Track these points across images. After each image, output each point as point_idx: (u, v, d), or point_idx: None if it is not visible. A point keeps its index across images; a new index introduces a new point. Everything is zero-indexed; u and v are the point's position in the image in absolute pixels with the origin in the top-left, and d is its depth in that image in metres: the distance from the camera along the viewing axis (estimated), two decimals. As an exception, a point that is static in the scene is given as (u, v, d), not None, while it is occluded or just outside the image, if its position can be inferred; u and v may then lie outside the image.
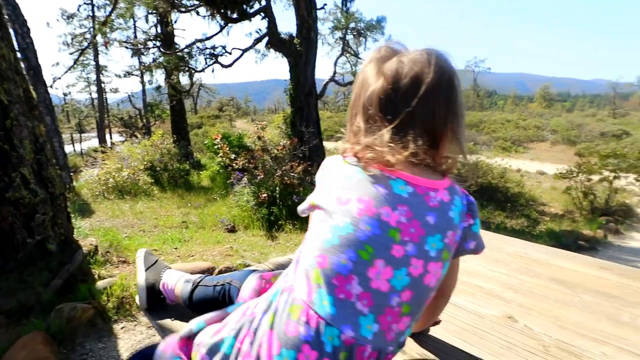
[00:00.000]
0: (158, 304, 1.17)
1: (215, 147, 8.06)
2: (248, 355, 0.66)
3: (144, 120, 27.89)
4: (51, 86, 15.91)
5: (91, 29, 18.37)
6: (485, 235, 1.75)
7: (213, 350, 0.70)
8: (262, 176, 5.98)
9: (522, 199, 9.92)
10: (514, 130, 24.30)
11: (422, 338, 0.99)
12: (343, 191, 0.68)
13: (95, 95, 32.84)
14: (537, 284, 1.28)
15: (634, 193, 10.51)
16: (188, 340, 0.76)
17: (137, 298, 1.19)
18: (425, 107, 0.66)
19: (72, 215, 6.84)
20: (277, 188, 5.85)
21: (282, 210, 5.78)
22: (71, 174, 12.23)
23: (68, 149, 34.67)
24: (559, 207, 9.94)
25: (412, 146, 0.65)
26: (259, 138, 6.19)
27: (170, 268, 1.23)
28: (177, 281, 1.13)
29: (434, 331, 1.02)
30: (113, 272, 4.37)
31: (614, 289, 1.23)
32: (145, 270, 1.22)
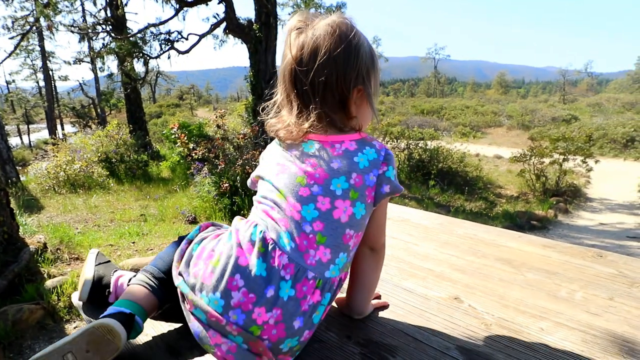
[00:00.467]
0: (99, 300, 1.07)
1: (173, 136, 7.79)
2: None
3: (98, 110, 26.56)
4: (-12, 74, 14.72)
5: (34, 12, 17.10)
6: (437, 219, 1.78)
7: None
8: (223, 166, 5.84)
9: (481, 182, 10.29)
10: (472, 116, 25.09)
11: (368, 322, 0.99)
12: (270, 162, 0.89)
13: (42, 83, 30.80)
14: (483, 264, 1.31)
15: (581, 174, 11.16)
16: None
17: (74, 295, 1.11)
18: (325, 76, 0.80)
19: (17, 212, 6.45)
20: (239, 177, 5.74)
21: (245, 200, 5.68)
22: (18, 167, 11.49)
23: (15, 141, 32.53)
24: (514, 189, 10.40)
25: (312, 117, 0.82)
26: (219, 127, 6.02)
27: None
28: (131, 277, 1.05)
29: (381, 315, 1.02)
30: (64, 269, 4.15)
31: (555, 267, 1.28)
32: (96, 265, 1.13)
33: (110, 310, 0.85)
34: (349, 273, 0.94)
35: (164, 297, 0.91)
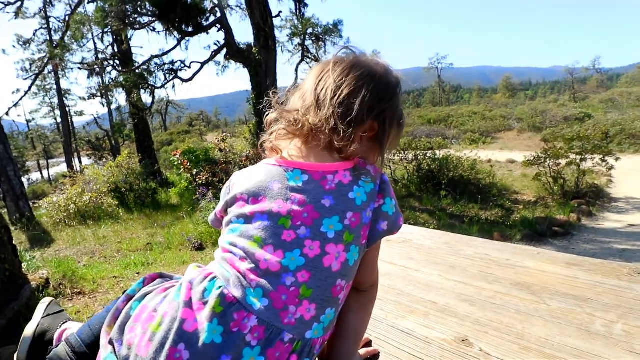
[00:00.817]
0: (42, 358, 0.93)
1: (176, 163, 7.74)
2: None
3: (112, 142, 27.11)
4: (7, 113, 15.16)
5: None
6: (442, 237, 1.57)
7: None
8: (226, 190, 5.71)
9: (495, 189, 9.97)
10: (481, 122, 24.76)
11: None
12: (244, 192, 0.73)
13: (60, 119, 31.72)
14: (496, 292, 1.10)
15: (602, 173, 10.73)
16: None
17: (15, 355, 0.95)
18: (354, 89, 0.72)
19: (26, 247, 6.42)
20: (243, 201, 5.60)
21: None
22: (34, 202, 11.62)
23: (35, 175, 33.35)
24: (531, 194, 10.03)
25: (322, 117, 0.71)
26: (221, 150, 5.93)
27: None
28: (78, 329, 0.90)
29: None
30: (66, 305, 4.02)
31: (584, 290, 1.07)
32: (42, 317, 0.98)
33: None
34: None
35: None
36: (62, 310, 1.05)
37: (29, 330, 0.94)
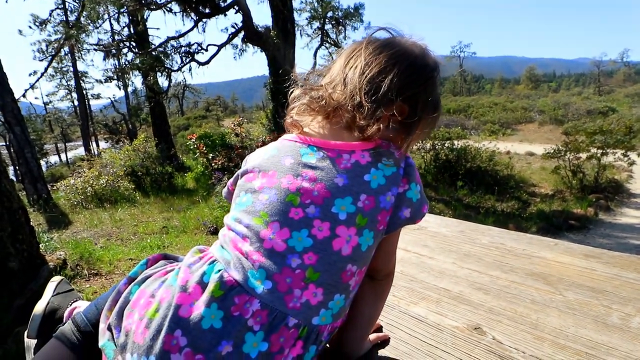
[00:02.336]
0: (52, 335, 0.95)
1: (192, 147, 7.80)
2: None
3: (129, 125, 27.45)
4: (24, 95, 15.43)
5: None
6: (459, 226, 1.56)
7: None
8: (241, 174, 5.75)
9: (512, 181, 9.82)
10: (501, 113, 24.28)
11: (365, 365, 0.80)
12: (255, 166, 0.70)
13: (77, 102, 32.17)
14: (511, 282, 1.09)
15: (622, 169, 10.45)
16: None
17: (26, 334, 0.97)
18: (385, 66, 0.68)
19: (44, 229, 6.59)
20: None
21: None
22: (52, 185, 11.90)
23: (54, 158, 34.02)
24: (549, 187, 9.85)
25: (346, 93, 0.68)
26: (236, 135, 5.95)
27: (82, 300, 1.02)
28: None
29: (381, 353, 0.82)
30: (82, 286, 4.14)
31: (602, 283, 1.05)
32: (53, 295, 1.00)
33: None
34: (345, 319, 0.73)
35: (90, 357, 0.74)
36: (72, 289, 1.07)
37: (39, 307, 0.95)
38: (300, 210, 0.63)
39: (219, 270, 0.62)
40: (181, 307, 0.60)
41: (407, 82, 0.68)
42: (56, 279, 1.05)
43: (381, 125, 0.66)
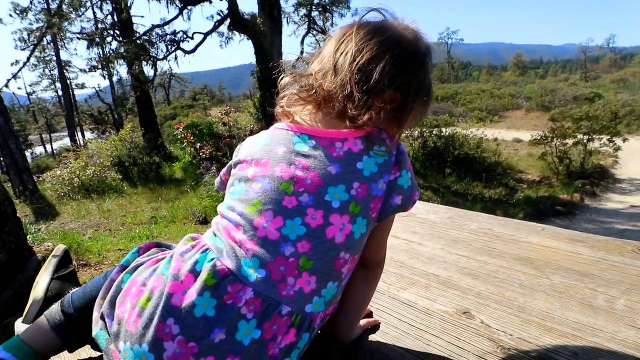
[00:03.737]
0: None
1: (180, 137, 7.71)
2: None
3: (115, 115, 26.98)
4: (6, 85, 15.02)
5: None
6: (447, 212, 1.57)
7: None
8: (230, 164, 5.71)
9: (500, 168, 9.93)
10: (489, 100, 24.42)
11: (353, 349, 0.80)
12: (248, 155, 0.70)
13: (61, 92, 31.44)
14: (499, 266, 1.10)
15: (608, 154, 10.63)
16: None
17: (18, 322, 0.95)
18: (370, 58, 0.66)
19: (31, 220, 6.48)
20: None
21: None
22: (37, 176, 11.68)
23: (39, 149, 33.37)
24: (536, 173, 9.99)
25: (337, 83, 0.66)
26: (224, 124, 5.89)
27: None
28: None
29: (371, 338, 0.83)
30: (71, 277, 4.11)
31: (587, 266, 1.06)
32: (52, 278, 0.95)
33: None
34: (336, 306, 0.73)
35: (71, 341, 0.74)
36: (72, 271, 1.02)
37: (39, 292, 0.92)
38: (293, 198, 0.63)
39: (212, 259, 0.62)
40: (173, 295, 0.60)
41: (399, 70, 0.67)
42: (59, 250, 1.00)
43: (373, 114, 0.65)
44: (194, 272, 0.61)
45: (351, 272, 0.70)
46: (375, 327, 0.87)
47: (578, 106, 16.50)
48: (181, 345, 0.57)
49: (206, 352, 0.57)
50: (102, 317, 0.67)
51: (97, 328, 0.67)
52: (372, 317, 0.90)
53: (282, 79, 0.74)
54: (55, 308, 0.77)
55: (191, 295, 0.59)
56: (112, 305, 0.67)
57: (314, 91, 0.68)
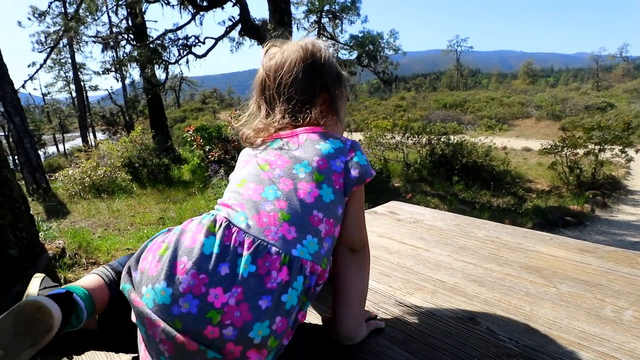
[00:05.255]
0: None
1: (189, 139, 7.78)
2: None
3: (126, 117, 27.29)
4: (23, 86, 15.31)
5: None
6: (454, 220, 1.57)
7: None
8: (238, 167, 5.75)
9: (508, 176, 9.85)
10: (498, 108, 24.27)
11: (358, 351, 0.81)
12: (239, 163, 0.91)
13: (75, 94, 31.92)
14: (506, 274, 1.10)
15: (620, 165, 10.50)
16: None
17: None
18: (291, 81, 0.86)
19: (43, 218, 6.57)
20: (255, 178, 5.63)
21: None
22: (50, 175, 11.85)
23: (52, 149, 33.85)
24: (546, 183, 9.89)
25: (278, 115, 0.87)
26: (233, 128, 5.94)
27: None
28: None
29: (376, 341, 0.83)
30: (81, 274, 4.15)
31: (596, 276, 1.06)
32: (40, 289, 0.92)
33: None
34: (327, 273, 0.78)
35: (119, 292, 0.77)
36: (56, 286, 1.05)
37: (33, 290, 0.90)
38: (269, 173, 0.79)
39: (213, 215, 0.75)
40: (185, 240, 0.71)
41: (312, 80, 0.87)
42: (39, 275, 1.00)
43: (317, 116, 0.85)
44: (200, 224, 0.73)
45: (332, 239, 0.78)
46: (379, 330, 0.87)
47: (589, 116, 16.34)
48: (194, 277, 0.66)
49: (215, 283, 0.66)
50: (128, 272, 0.76)
51: (123, 282, 0.75)
52: (376, 319, 0.91)
53: (240, 133, 0.94)
54: (98, 269, 0.86)
55: (200, 238, 0.70)
56: (137, 261, 0.76)
57: (266, 130, 0.88)
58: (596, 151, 8.92)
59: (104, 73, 15.24)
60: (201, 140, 6.78)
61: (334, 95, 0.90)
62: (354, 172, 0.80)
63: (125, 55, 12.21)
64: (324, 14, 11.28)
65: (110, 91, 30.80)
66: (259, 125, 0.88)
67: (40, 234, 4.51)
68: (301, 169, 0.78)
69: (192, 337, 0.64)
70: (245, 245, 0.69)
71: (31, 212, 4.28)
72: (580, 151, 9.14)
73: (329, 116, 0.89)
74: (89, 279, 0.83)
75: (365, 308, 0.94)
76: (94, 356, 0.90)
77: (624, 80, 39.43)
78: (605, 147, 8.88)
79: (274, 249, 0.70)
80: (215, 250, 0.68)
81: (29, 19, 18.01)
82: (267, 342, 0.66)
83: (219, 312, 0.64)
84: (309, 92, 0.87)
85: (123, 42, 11.56)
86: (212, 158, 6.09)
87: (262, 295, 0.66)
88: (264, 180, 0.78)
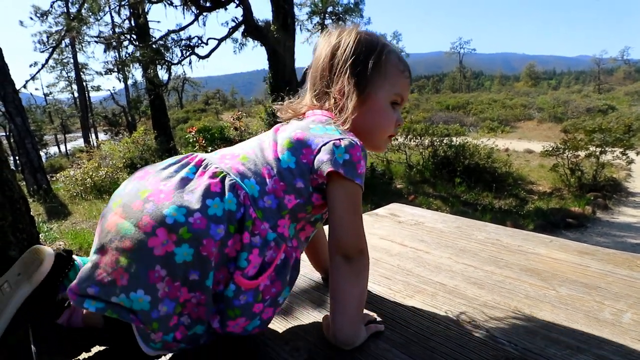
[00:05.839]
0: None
1: (192, 140, 7.79)
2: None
3: (129, 118, 27.33)
4: (24, 86, 15.35)
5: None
6: (455, 222, 1.57)
7: None
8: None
9: (510, 178, 9.84)
10: (500, 110, 24.25)
11: (357, 354, 0.81)
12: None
13: (77, 94, 31.98)
14: (506, 277, 1.10)
15: (621, 167, 10.48)
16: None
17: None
18: (318, 69, 0.92)
19: (44, 219, 6.58)
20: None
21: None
22: (51, 176, 11.88)
23: (53, 149, 33.92)
24: (547, 185, 9.88)
25: (304, 101, 0.95)
26: (235, 129, 5.95)
27: None
28: None
29: (375, 344, 0.84)
30: (82, 276, 4.17)
31: (595, 279, 1.06)
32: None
33: None
34: (266, 233, 0.77)
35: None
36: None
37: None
38: (265, 141, 0.86)
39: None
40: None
41: (330, 69, 0.90)
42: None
43: (329, 101, 0.89)
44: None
45: (277, 201, 0.78)
46: (379, 333, 0.88)
47: (591, 118, 16.30)
48: (149, 174, 0.80)
49: (156, 176, 0.77)
50: None
51: None
52: (375, 322, 0.91)
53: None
54: None
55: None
56: None
57: (287, 109, 0.97)
58: (597, 153, 8.91)
59: (106, 73, 15.28)
60: (204, 142, 6.79)
61: (345, 90, 0.86)
62: (323, 156, 0.77)
63: (127, 55, 12.24)
64: (327, 15, 11.31)
65: (112, 91, 30.89)
66: (291, 106, 0.95)
67: (40, 235, 4.52)
68: (282, 137, 0.84)
69: (122, 211, 0.72)
70: (195, 160, 0.80)
71: (32, 213, 4.28)
72: (582, 153, 9.14)
73: (341, 109, 0.87)
74: None
75: (372, 311, 0.94)
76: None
77: (625, 83, 39.35)
78: (607, 149, 8.88)
79: (214, 167, 0.77)
80: (173, 162, 0.81)
81: (31, 18, 18.10)
82: (179, 229, 0.68)
83: (147, 190, 0.73)
84: (328, 80, 0.89)
85: (126, 43, 11.60)
86: (214, 159, 6.09)
87: (189, 192, 0.73)
88: (251, 141, 0.90)
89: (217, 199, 0.72)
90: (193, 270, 0.70)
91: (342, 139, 0.79)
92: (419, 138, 10.13)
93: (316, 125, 0.83)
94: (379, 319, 0.93)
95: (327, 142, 0.78)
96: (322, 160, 0.77)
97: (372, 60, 0.86)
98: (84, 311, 0.82)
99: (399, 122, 0.93)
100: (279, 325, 0.93)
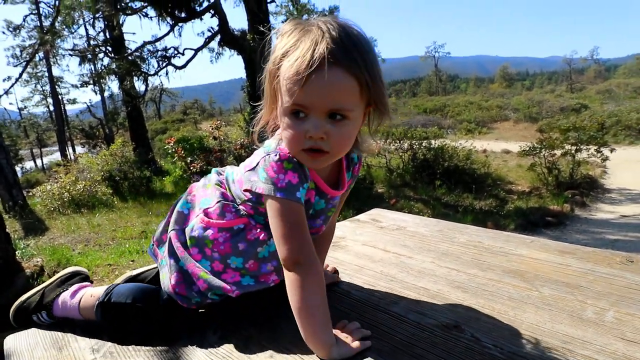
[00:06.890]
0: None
1: (170, 151, 7.67)
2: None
3: (106, 130, 26.79)
4: (-4, 101, 14.88)
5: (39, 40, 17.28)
6: (437, 225, 1.57)
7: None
8: (221, 178, 5.69)
9: (489, 179, 10.00)
10: (477, 111, 24.73)
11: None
12: None
13: (52, 107, 31.20)
14: (489, 279, 1.10)
15: (596, 165, 10.78)
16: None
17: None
18: None
19: (20, 235, 6.36)
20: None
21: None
22: (27, 191, 11.49)
23: (29, 164, 32.91)
24: (526, 184, 10.08)
25: None
26: (215, 138, 5.89)
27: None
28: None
29: (362, 354, 0.82)
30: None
31: (576, 278, 1.07)
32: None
33: None
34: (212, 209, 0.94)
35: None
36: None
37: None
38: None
39: None
40: None
41: None
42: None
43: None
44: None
45: (225, 198, 0.93)
46: (367, 349, 0.84)
47: (565, 117, 16.79)
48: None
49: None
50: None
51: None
52: (362, 327, 0.88)
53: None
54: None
55: None
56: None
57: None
58: (573, 151, 9.15)
59: (82, 86, 14.96)
60: (182, 152, 6.69)
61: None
62: (254, 177, 0.83)
63: (103, 67, 12.04)
64: (303, 23, 11.36)
65: (89, 104, 30.27)
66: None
67: (17, 252, 4.36)
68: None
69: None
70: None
71: (7, 230, 4.14)
72: (558, 152, 9.36)
73: None
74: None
75: (356, 319, 0.91)
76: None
77: (596, 82, 40.71)
78: (582, 147, 9.12)
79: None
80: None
81: (3, 32, 17.61)
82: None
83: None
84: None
85: (101, 55, 11.41)
86: (194, 169, 6.01)
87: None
88: None
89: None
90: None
91: (266, 155, 0.82)
92: (398, 142, 10.22)
93: (271, 140, 0.88)
94: (364, 327, 0.91)
95: (258, 162, 0.83)
96: (253, 181, 0.83)
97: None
98: (80, 304, 1.01)
99: (309, 134, 0.75)
100: (276, 328, 0.90)
